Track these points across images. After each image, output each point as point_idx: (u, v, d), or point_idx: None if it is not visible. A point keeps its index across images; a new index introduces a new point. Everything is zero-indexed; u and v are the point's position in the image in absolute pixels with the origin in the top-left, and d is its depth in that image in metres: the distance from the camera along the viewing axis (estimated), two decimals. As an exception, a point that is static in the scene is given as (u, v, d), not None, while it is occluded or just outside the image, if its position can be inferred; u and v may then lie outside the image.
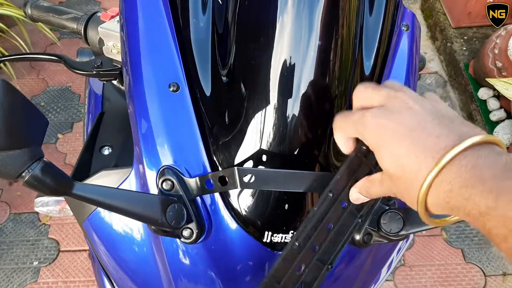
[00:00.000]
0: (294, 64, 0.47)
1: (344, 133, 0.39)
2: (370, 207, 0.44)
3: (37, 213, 1.59)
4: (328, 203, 0.43)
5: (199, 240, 0.49)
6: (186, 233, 0.47)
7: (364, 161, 0.41)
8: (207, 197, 0.49)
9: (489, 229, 0.27)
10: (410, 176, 0.32)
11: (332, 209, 0.43)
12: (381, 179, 0.37)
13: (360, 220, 0.44)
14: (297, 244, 0.42)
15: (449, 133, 0.31)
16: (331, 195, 0.42)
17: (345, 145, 0.41)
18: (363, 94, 0.38)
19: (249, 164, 0.48)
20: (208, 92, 0.50)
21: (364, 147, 0.40)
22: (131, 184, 0.53)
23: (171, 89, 0.50)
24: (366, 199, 0.41)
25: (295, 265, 0.42)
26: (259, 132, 0.48)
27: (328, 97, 0.49)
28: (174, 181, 0.47)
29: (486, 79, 1.42)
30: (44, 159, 0.38)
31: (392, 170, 0.33)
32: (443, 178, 0.30)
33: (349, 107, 0.51)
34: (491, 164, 0.28)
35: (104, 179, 0.55)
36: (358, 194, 0.41)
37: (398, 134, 0.32)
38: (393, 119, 0.33)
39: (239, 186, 0.46)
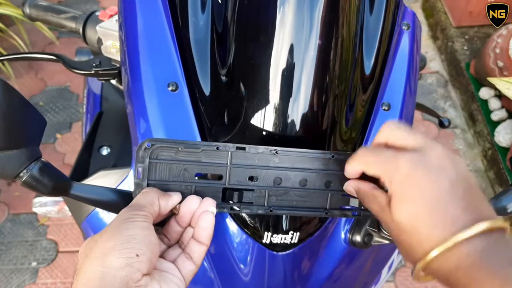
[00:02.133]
0: (294, 64, 0.46)
1: (367, 169, 0.37)
2: (341, 214, 0.44)
3: (36, 213, 1.58)
4: (322, 162, 0.42)
5: (198, 241, 0.48)
6: None
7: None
8: (206, 198, 0.49)
9: None
10: (420, 238, 0.32)
11: (318, 172, 0.42)
12: (386, 213, 0.36)
13: (324, 213, 0.43)
14: (274, 152, 0.41)
15: (472, 210, 0.31)
16: (331, 156, 0.42)
17: (352, 176, 0.40)
18: (394, 132, 0.36)
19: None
20: (207, 92, 0.50)
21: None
22: (129, 184, 0.53)
23: (170, 88, 0.50)
24: (353, 193, 0.41)
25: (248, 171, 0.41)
26: (259, 132, 0.47)
27: (328, 96, 0.49)
28: None
29: (488, 78, 1.41)
30: (42, 159, 0.38)
31: (404, 224, 0.33)
32: (453, 254, 0.31)
33: (349, 106, 0.51)
34: (500, 252, 0.30)
35: (103, 179, 0.55)
36: (354, 186, 0.40)
37: (428, 194, 0.32)
38: (428, 175, 0.32)
39: (238, 186, 0.46)
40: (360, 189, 0.40)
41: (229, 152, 0.40)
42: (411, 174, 0.33)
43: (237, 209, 0.42)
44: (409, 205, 0.33)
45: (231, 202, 0.42)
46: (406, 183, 0.33)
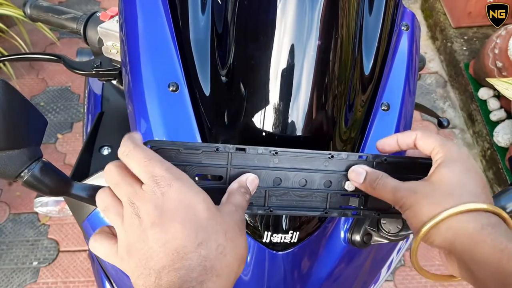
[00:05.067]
0: (293, 64, 0.46)
1: (422, 142, 0.41)
2: (341, 214, 0.44)
3: (37, 213, 1.58)
4: (321, 162, 0.42)
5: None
6: None
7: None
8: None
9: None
10: (435, 201, 0.37)
11: (317, 172, 0.42)
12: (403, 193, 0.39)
13: (324, 213, 0.43)
14: (274, 153, 0.41)
15: (486, 194, 0.38)
16: (330, 156, 0.42)
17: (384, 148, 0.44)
18: (425, 140, 0.41)
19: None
20: (207, 92, 0.50)
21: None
22: (130, 184, 0.53)
23: (170, 89, 0.50)
24: (360, 180, 0.41)
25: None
26: (258, 133, 0.48)
27: (328, 97, 0.49)
28: None
29: (486, 79, 1.41)
30: (43, 159, 0.38)
31: (437, 183, 0.38)
32: (460, 219, 0.36)
33: (349, 106, 0.51)
34: (501, 231, 0.35)
35: (103, 179, 0.55)
36: (361, 172, 0.41)
37: (465, 171, 0.38)
38: (467, 159, 0.39)
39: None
40: (369, 173, 0.42)
41: (229, 153, 0.41)
42: (460, 154, 0.39)
43: None
44: (454, 168, 0.38)
45: None
46: (457, 157, 0.39)
